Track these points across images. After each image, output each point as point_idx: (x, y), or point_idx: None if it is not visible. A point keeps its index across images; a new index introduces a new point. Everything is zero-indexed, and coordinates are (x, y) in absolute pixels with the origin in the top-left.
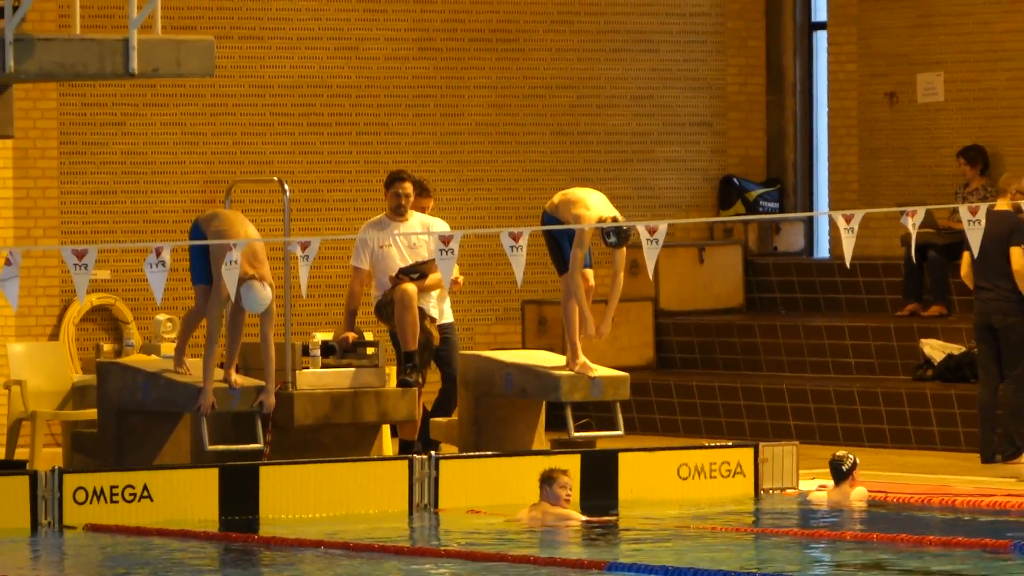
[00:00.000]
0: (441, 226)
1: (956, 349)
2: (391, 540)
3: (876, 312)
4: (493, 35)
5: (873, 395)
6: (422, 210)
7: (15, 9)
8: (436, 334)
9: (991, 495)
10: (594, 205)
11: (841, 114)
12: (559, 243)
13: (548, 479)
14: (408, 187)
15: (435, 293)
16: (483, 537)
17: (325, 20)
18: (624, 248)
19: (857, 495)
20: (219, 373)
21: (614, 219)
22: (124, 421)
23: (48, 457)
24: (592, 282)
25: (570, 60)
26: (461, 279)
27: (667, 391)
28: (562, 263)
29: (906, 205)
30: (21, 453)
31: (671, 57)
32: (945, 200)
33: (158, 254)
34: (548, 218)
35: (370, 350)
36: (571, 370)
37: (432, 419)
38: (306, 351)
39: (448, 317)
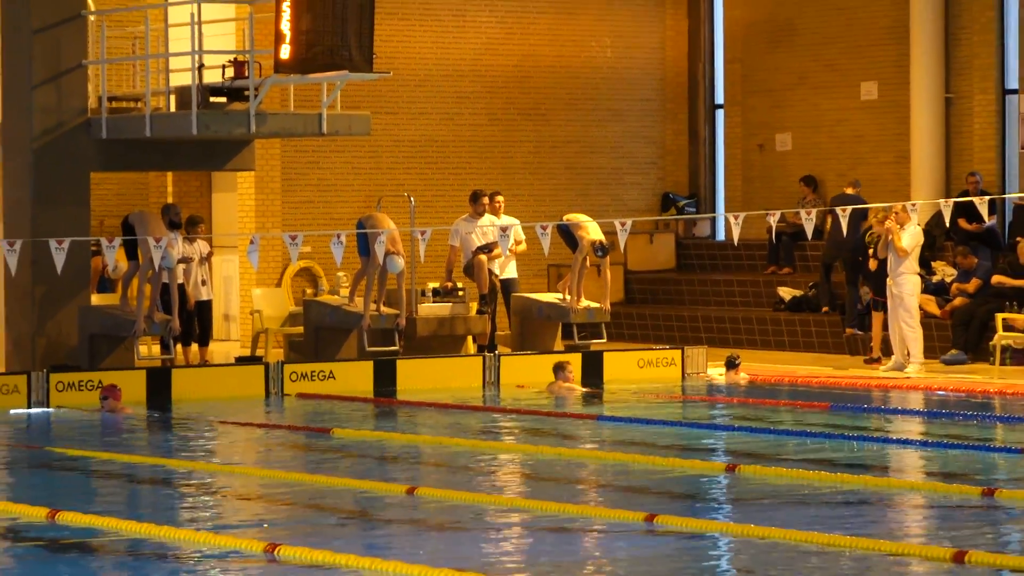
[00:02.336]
0: (508, 221)
1: (798, 292)
2: (472, 401)
3: (752, 271)
4: (530, 110)
5: (750, 319)
6: (495, 211)
7: (256, 94)
8: (498, 284)
9: (818, 377)
10: (591, 231)
11: (726, 157)
12: (571, 237)
13: (559, 367)
14: (482, 201)
15: (498, 260)
16: (525, 401)
17: (433, 100)
18: (607, 257)
19: (741, 378)
20: (372, 306)
21: (600, 242)
22: (318, 333)
23: (274, 355)
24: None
25: (574, 124)
26: (522, 247)
27: (632, 317)
28: (573, 247)
29: (769, 210)
30: (259, 352)
31: (635, 123)
32: (791, 206)
33: (338, 237)
34: (564, 226)
35: (460, 293)
36: (575, 306)
37: (495, 332)
38: (423, 294)
39: (509, 274)
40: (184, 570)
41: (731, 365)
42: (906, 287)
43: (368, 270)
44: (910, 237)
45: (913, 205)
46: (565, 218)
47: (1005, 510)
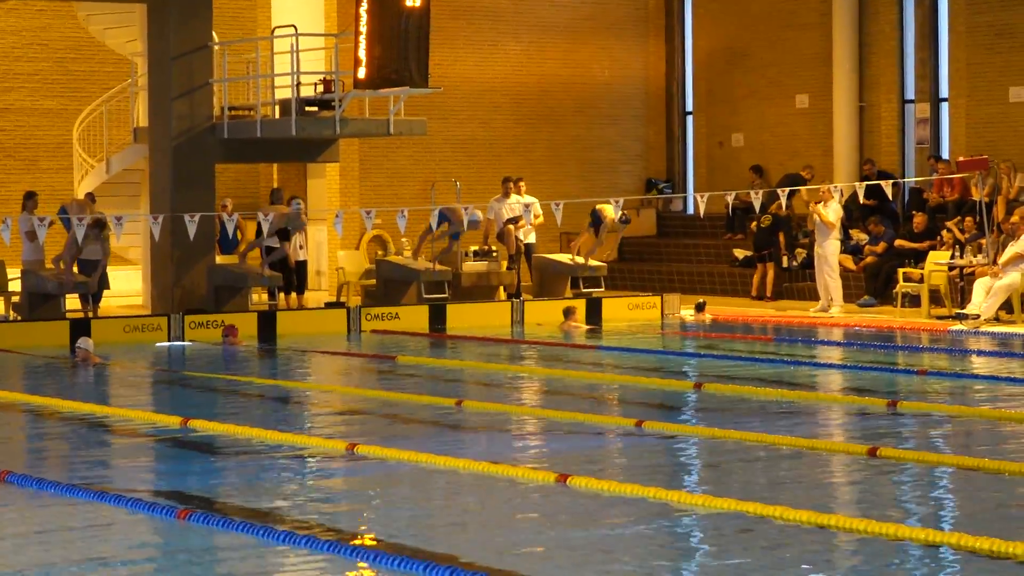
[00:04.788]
0: (529, 200)
1: (748, 253)
2: (503, 336)
3: (714, 237)
4: (547, 116)
5: (712, 273)
6: (519, 191)
7: (340, 105)
8: (523, 247)
9: (764, 316)
10: (608, 212)
11: (697, 152)
12: (598, 219)
13: (568, 310)
14: (510, 185)
15: (522, 229)
16: (543, 335)
17: (473, 109)
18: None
19: (707, 318)
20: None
21: (624, 214)
22: (388, 285)
23: (354, 301)
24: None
25: (580, 126)
26: (540, 220)
27: (623, 272)
28: (597, 226)
29: (727, 191)
30: (342, 299)
31: (626, 126)
32: (743, 188)
33: (402, 212)
34: (595, 211)
35: (494, 254)
36: (583, 262)
37: (520, 283)
38: (466, 254)
39: (531, 239)
40: (285, 464)
41: (699, 308)
42: (829, 249)
43: (423, 236)
44: (833, 212)
45: (835, 187)
46: (597, 206)
47: (906, 417)
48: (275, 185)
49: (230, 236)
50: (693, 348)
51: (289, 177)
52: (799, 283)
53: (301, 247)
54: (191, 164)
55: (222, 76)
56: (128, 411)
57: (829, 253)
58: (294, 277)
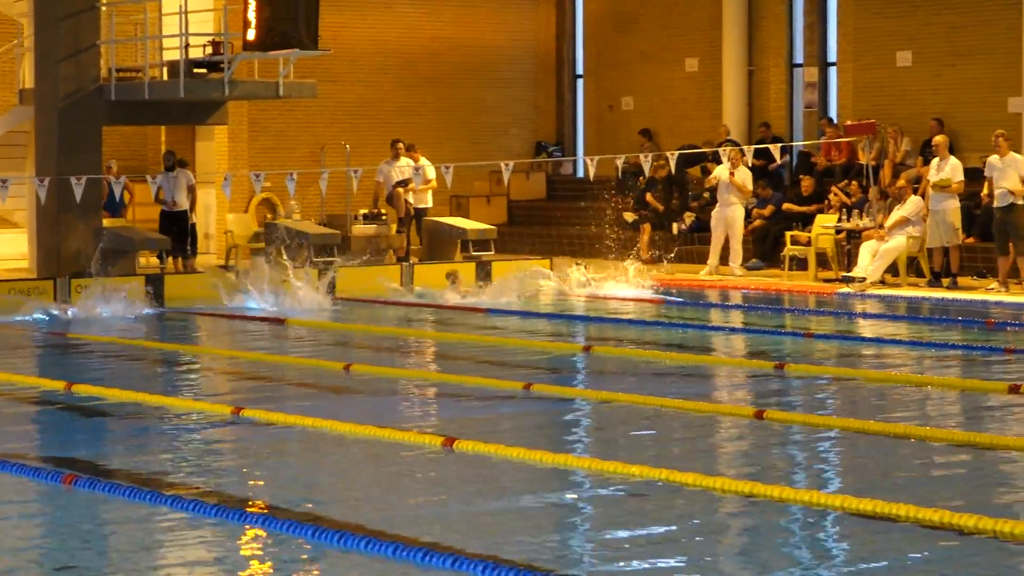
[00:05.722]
0: (424, 163)
1: (636, 217)
2: (392, 297)
3: (603, 200)
4: (437, 79)
5: (602, 236)
6: (414, 157)
7: (229, 67)
8: (412, 211)
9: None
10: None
11: (587, 115)
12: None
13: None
14: (400, 147)
15: (412, 192)
16: (432, 297)
17: (364, 71)
18: None
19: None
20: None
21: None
22: (276, 247)
23: (243, 264)
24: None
25: (470, 89)
26: (434, 184)
27: (513, 235)
28: None
29: (616, 154)
30: (230, 262)
31: (516, 89)
32: (633, 152)
33: (291, 175)
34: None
35: (383, 217)
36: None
37: (409, 246)
38: (356, 217)
39: (423, 204)
40: (171, 428)
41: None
42: (738, 213)
43: None
44: (745, 176)
45: (742, 152)
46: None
47: (792, 380)
48: (163, 148)
49: (117, 199)
50: (582, 311)
51: (177, 140)
52: (686, 246)
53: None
54: (78, 126)
55: (110, 37)
56: (11, 375)
57: (739, 217)
58: (189, 240)
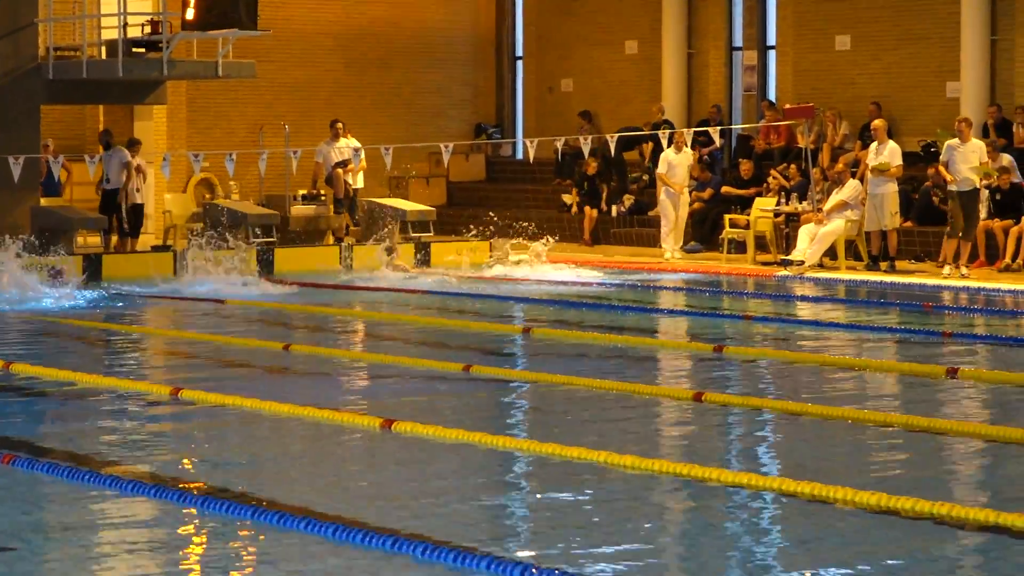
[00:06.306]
0: (354, 143)
1: (576, 199)
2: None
3: (543, 183)
4: (378, 60)
5: (541, 218)
6: (345, 136)
7: (167, 46)
8: (351, 192)
9: (593, 261)
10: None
11: (527, 97)
12: None
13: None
14: (340, 127)
15: (351, 172)
16: (371, 280)
17: (304, 52)
18: None
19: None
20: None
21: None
22: (215, 228)
23: (181, 244)
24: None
25: (410, 71)
26: (364, 165)
27: (453, 216)
28: None
29: (556, 136)
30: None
31: (455, 71)
32: (572, 134)
33: (231, 155)
34: None
35: (322, 197)
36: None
37: (351, 227)
38: (295, 198)
39: (359, 184)
40: (109, 408)
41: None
42: (687, 196)
43: None
44: (689, 159)
45: (681, 133)
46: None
47: (731, 362)
48: (101, 127)
49: (55, 178)
50: (523, 293)
51: (116, 119)
52: (624, 228)
53: (138, 190)
54: (15, 105)
55: (48, 16)
56: None
57: (687, 200)
58: (127, 219)
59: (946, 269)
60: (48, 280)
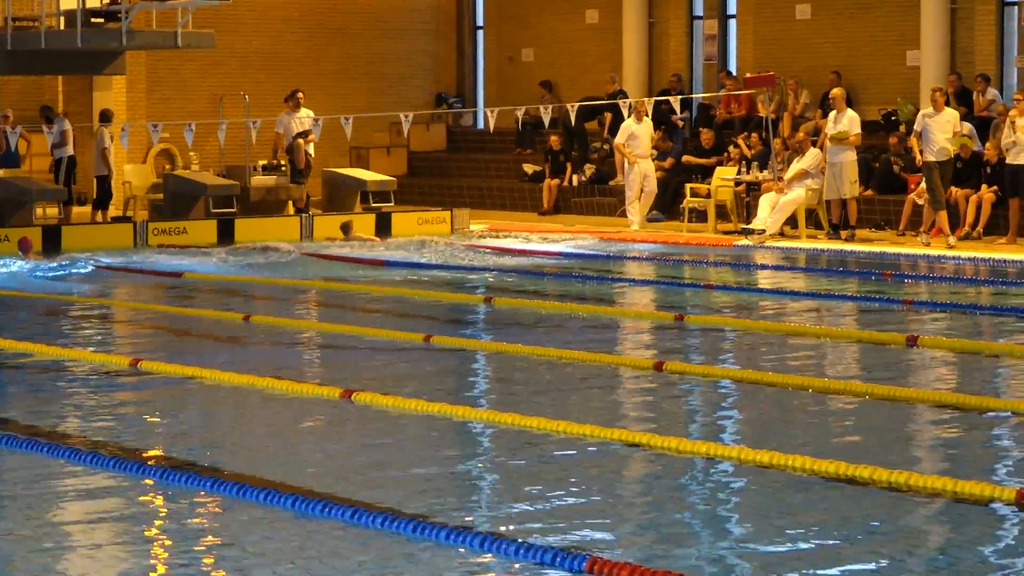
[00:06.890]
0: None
1: (537, 168)
2: (306, 248)
3: (504, 152)
4: (338, 30)
5: (502, 188)
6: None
7: (126, 16)
8: (312, 163)
9: (555, 231)
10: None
11: (488, 67)
12: None
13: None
14: (300, 97)
15: (312, 143)
16: (331, 249)
17: (264, 21)
18: None
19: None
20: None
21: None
22: (175, 199)
23: (141, 215)
24: None
25: (371, 41)
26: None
27: (413, 186)
28: None
29: (517, 106)
30: (128, 213)
31: (416, 40)
32: (533, 103)
33: (190, 126)
34: None
35: (283, 168)
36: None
37: (309, 198)
38: (255, 168)
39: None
40: (68, 380)
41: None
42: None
43: None
44: (650, 128)
45: (642, 102)
46: None
47: (692, 331)
48: (61, 98)
49: (12, 149)
50: (484, 263)
51: (75, 90)
52: (585, 198)
53: (105, 161)
54: None
55: None
56: None
57: (653, 170)
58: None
59: (924, 238)
60: (19, 253)
